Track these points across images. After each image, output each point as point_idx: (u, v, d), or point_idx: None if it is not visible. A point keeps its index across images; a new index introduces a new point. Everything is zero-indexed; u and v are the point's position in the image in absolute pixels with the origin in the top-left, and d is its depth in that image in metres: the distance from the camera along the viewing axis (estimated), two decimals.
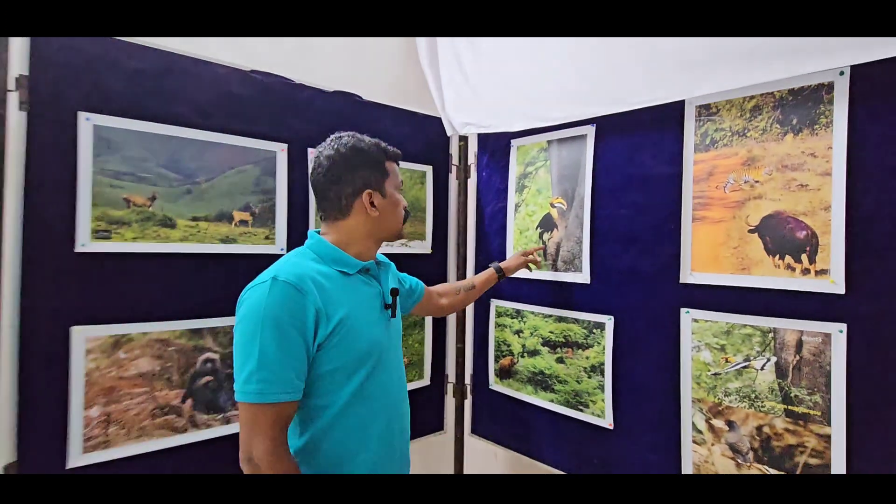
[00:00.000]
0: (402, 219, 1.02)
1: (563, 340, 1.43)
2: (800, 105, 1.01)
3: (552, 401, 1.46)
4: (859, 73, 0.94)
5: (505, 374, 1.61)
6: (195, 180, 1.21)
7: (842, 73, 0.96)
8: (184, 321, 1.18)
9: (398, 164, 1.03)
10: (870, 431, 0.93)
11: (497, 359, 1.63)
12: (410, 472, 1.06)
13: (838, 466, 0.96)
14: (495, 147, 1.66)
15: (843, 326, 0.95)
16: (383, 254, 1.15)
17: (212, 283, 1.22)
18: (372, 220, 0.96)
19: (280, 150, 1.33)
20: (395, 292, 1.00)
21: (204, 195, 1.22)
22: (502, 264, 1.46)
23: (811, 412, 0.99)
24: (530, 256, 1.46)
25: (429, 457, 2.00)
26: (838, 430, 0.96)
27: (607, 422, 1.33)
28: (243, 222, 1.27)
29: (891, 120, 0.91)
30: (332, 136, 0.97)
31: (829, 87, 0.97)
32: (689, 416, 1.16)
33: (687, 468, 1.16)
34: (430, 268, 1.70)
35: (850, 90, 0.95)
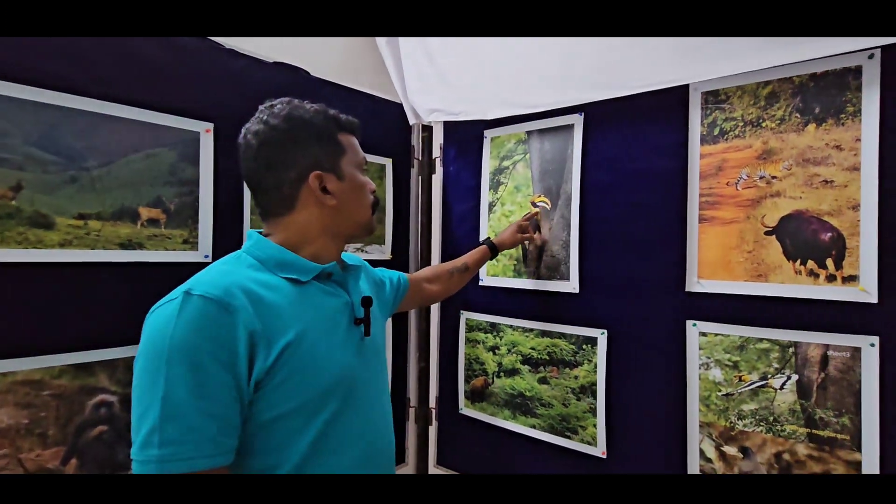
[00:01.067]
0: (371, 206, 0.80)
1: (548, 358, 1.26)
2: (823, 92, 0.90)
3: (534, 426, 1.28)
4: (892, 56, 0.84)
5: (477, 396, 1.41)
6: (83, 165, 0.90)
7: (871, 56, 0.86)
8: (66, 354, 0.87)
9: (358, 138, 0.81)
10: None
11: (468, 379, 1.43)
12: None
13: None
14: (464, 138, 1.46)
15: (875, 339, 0.85)
16: None
17: (108, 302, 0.92)
18: (329, 211, 0.74)
19: (204, 131, 1.05)
20: (367, 302, 0.77)
21: (96, 185, 0.92)
22: (495, 239, 1.26)
23: (839, 436, 0.88)
24: (527, 234, 1.27)
25: None
26: (870, 455, 0.85)
27: (600, 450, 1.17)
28: (153, 221, 0.98)
29: None
30: (262, 106, 0.75)
31: (857, 72, 0.87)
32: (697, 443, 1.03)
33: None
34: None
35: (881, 75, 0.85)
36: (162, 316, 0.58)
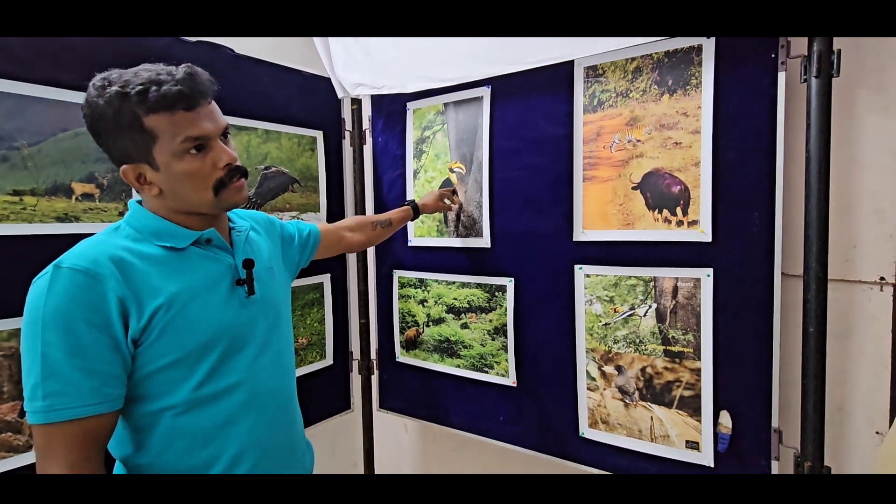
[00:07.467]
0: (213, 187, 0.73)
1: (467, 306, 1.43)
2: (674, 66, 1.07)
3: (458, 366, 1.47)
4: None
5: (411, 345, 1.58)
6: (13, 145, 0.96)
7: (709, 37, 1.03)
8: (11, 319, 0.96)
9: (189, 106, 0.69)
10: (731, 361, 1.06)
11: (402, 330, 1.60)
12: (314, 458, 0.98)
13: (707, 395, 1.08)
14: (390, 110, 1.57)
15: (710, 271, 1.06)
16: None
17: None
18: (160, 198, 0.74)
19: None
20: (248, 264, 0.80)
21: (27, 163, 0.98)
22: (419, 202, 1.39)
23: (685, 350, 1.10)
24: (446, 205, 1.41)
25: (337, 437, 1.94)
26: (707, 363, 1.08)
27: (511, 380, 1.36)
28: (87, 196, 1.05)
29: (750, 81, 1.00)
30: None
31: (699, 50, 1.04)
32: (584, 366, 1.23)
33: (583, 414, 1.24)
34: None
35: (715, 52, 1.02)
36: (36, 289, 0.65)
